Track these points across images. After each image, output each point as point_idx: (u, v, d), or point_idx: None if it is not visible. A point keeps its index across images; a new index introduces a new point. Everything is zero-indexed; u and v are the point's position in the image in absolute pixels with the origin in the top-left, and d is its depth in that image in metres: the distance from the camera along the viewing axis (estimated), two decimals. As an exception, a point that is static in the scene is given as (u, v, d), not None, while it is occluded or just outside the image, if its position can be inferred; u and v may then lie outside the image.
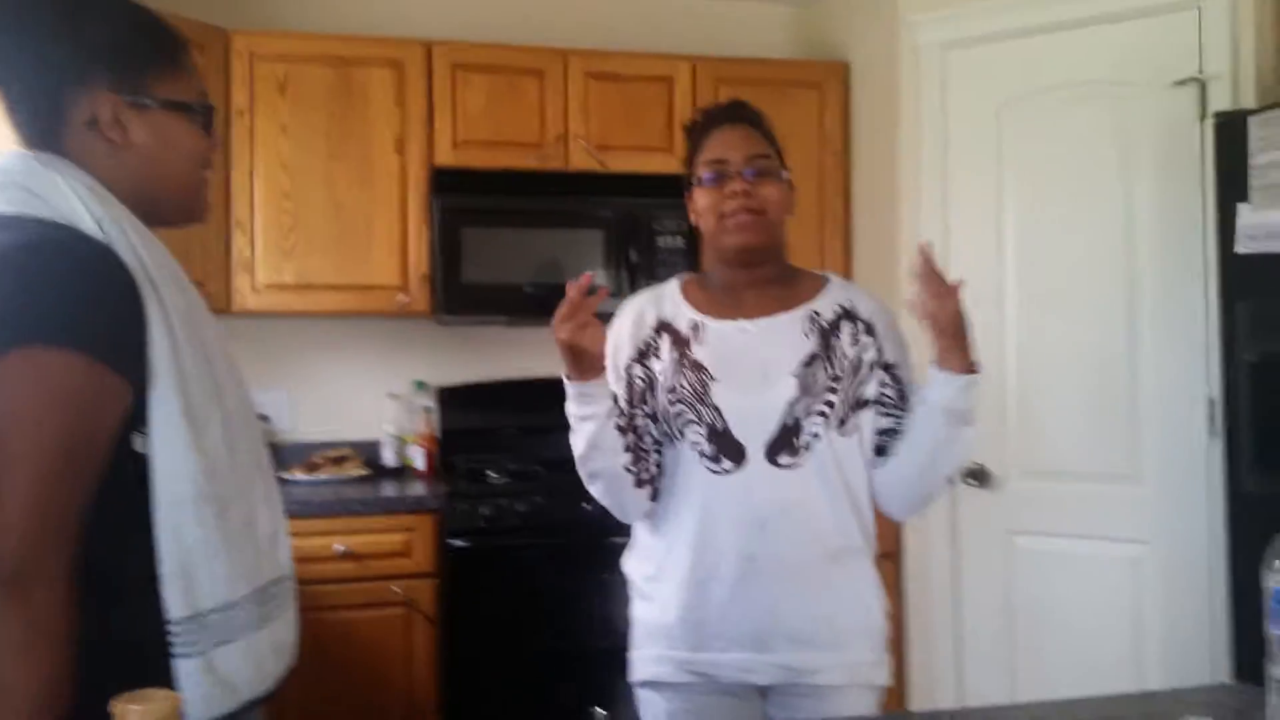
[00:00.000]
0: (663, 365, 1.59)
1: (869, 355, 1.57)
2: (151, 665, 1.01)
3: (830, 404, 1.52)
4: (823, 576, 1.53)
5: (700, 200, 1.58)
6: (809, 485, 1.51)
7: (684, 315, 1.61)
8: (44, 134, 1.08)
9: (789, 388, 1.52)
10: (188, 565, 1.02)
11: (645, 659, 1.61)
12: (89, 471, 0.98)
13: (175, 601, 1.02)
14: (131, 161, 1.09)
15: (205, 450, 1.03)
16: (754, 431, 1.51)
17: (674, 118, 3.18)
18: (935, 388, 1.50)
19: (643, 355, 1.61)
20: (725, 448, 1.52)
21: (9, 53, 1.06)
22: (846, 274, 3.27)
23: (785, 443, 1.51)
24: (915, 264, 1.48)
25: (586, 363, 1.45)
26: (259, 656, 1.09)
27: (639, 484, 1.56)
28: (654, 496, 1.59)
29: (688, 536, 1.54)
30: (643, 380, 1.60)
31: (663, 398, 1.57)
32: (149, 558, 1.01)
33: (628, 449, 1.53)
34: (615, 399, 1.52)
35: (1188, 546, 2.47)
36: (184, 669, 1.02)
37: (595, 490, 1.59)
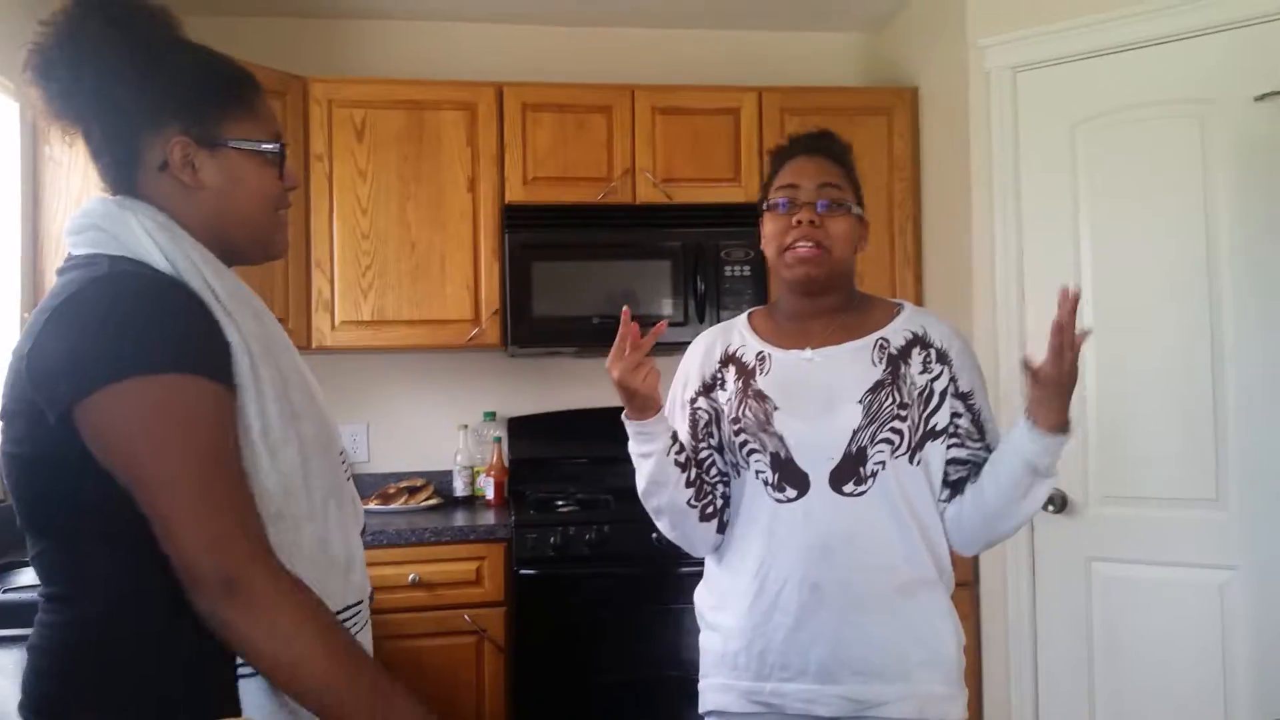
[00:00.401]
0: (728, 396, 1.59)
1: (941, 383, 1.53)
2: (220, 682, 1.03)
3: (898, 432, 1.49)
4: (890, 607, 1.48)
5: (767, 226, 1.58)
6: (875, 514, 1.48)
7: (751, 347, 1.61)
8: (123, 178, 1.13)
9: (854, 415, 1.49)
10: None
11: (712, 688, 1.60)
12: (238, 470, 1.03)
13: None
14: (204, 201, 1.13)
15: (281, 471, 1.06)
16: (818, 459, 1.50)
17: (740, 149, 3.21)
18: (1022, 440, 1.43)
19: (709, 388, 1.62)
20: (789, 476, 1.51)
21: (88, 101, 1.10)
22: (917, 301, 3.23)
23: (850, 471, 1.48)
24: (1063, 311, 1.37)
25: (640, 402, 1.46)
26: None
27: (704, 518, 1.56)
28: (721, 529, 1.59)
29: (752, 565, 1.54)
30: (708, 413, 1.61)
31: (727, 428, 1.58)
32: None
33: (689, 484, 1.53)
34: (674, 435, 1.52)
35: (1278, 572, 2.35)
36: (250, 688, 1.03)
37: (661, 525, 1.60)
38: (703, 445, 1.59)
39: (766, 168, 1.66)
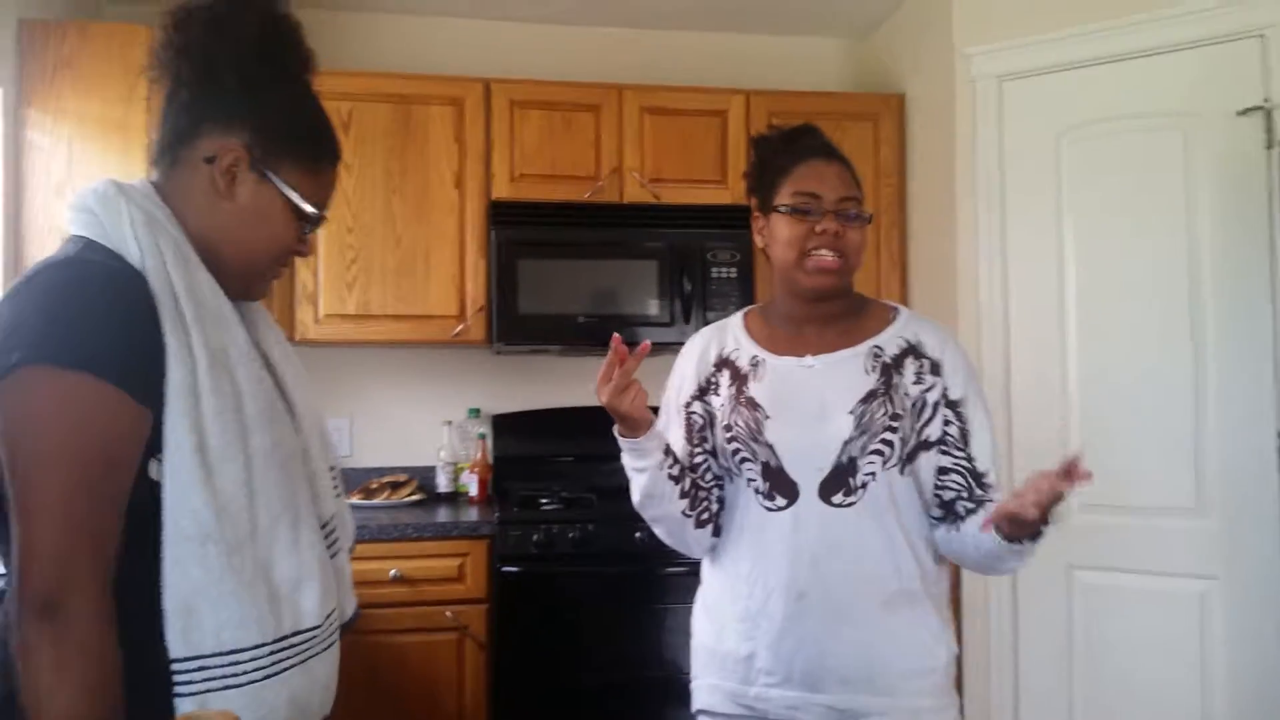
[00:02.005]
0: (721, 401, 1.59)
1: (933, 395, 1.52)
2: (157, 698, 1.01)
3: (889, 443, 1.48)
4: (876, 619, 1.48)
5: (781, 229, 1.54)
6: (863, 525, 1.48)
7: (745, 351, 1.60)
8: (170, 148, 1.13)
9: (845, 426, 1.49)
10: (190, 604, 1.01)
11: (702, 688, 1.60)
12: (114, 493, 0.99)
13: (175, 640, 1.01)
14: (222, 213, 1.12)
15: (216, 490, 1.02)
16: (808, 469, 1.49)
17: (727, 151, 3.22)
18: (993, 543, 1.43)
19: (703, 392, 1.62)
20: (779, 485, 1.51)
21: (201, 67, 1.10)
22: (903, 305, 3.25)
23: (840, 481, 1.48)
24: (1069, 469, 1.35)
25: (631, 422, 1.45)
26: (267, 708, 1.05)
27: (699, 525, 1.57)
28: (716, 533, 1.60)
29: (743, 570, 1.54)
30: (702, 417, 1.61)
31: (720, 435, 1.58)
32: (158, 591, 1.01)
33: (684, 494, 1.53)
34: (667, 449, 1.52)
35: (1258, 581, 2.39)
36: (182, 708, 1.01)
37: (658, 532, 1.60)
38: (698, 450, 1.59)
39: (754, 159, 1.63)
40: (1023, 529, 1.37)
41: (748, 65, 3.56)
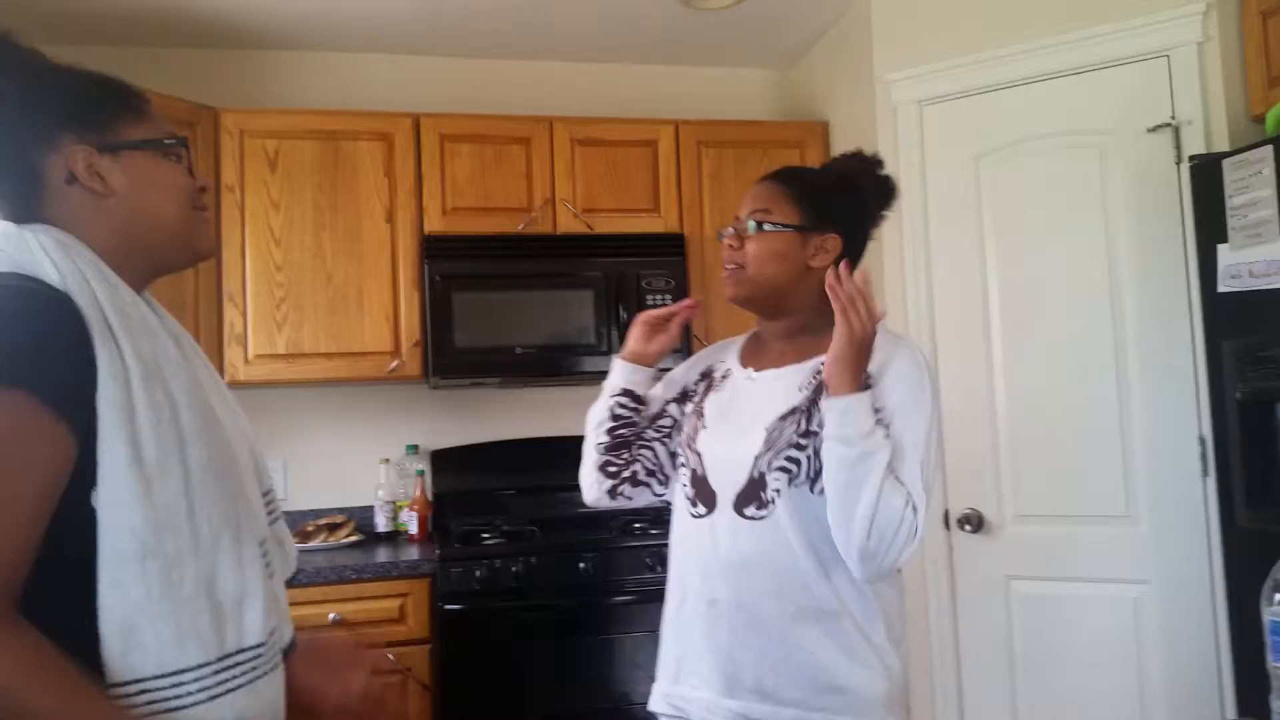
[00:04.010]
0: (686, 409, 1.67)
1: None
2: None
3: (794, 460, 1.47)
4: (786, 632, 1.47)
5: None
6: (772, 540, 1.48)
7: (726, 365, 1.67)
8: (28, 203, 1.10)
9: (757, 441, 1.51)
10: (129, 624, 0.98)
11: (653, 691, 1.64)
12: (22, 516, 0.95)
13: (115, 663, 0.98)
14: (117, 209, 1.10)
15: (156, 505, 1.00)
16: (727, 481, 1.53)
17: (658, 179, 3.25)
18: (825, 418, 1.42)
19: (682, 398, 1.70)
20: (701, 494, 1.56)
21: None
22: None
23: (752, 495, 1.50)
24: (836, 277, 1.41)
25: (634, 350, 1.64)
26: None
27: (600, 468, 1.66)
28: (610, 493, 1.68)
29: (673, 574, 1.61)
30: (672, 420, 1.69)
31: (675, 439, 1.66)
32: (94, 619, 0.98)
33: (610, 434, 1.64)
34: (635, 396, 1.63)
35: (1188, 585, 2.45)
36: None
37: (583, 465, 1.70)
38: (651, 433, 1.68)
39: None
40: (851, 350, 1.40)
41: (677, 97, 3.61)
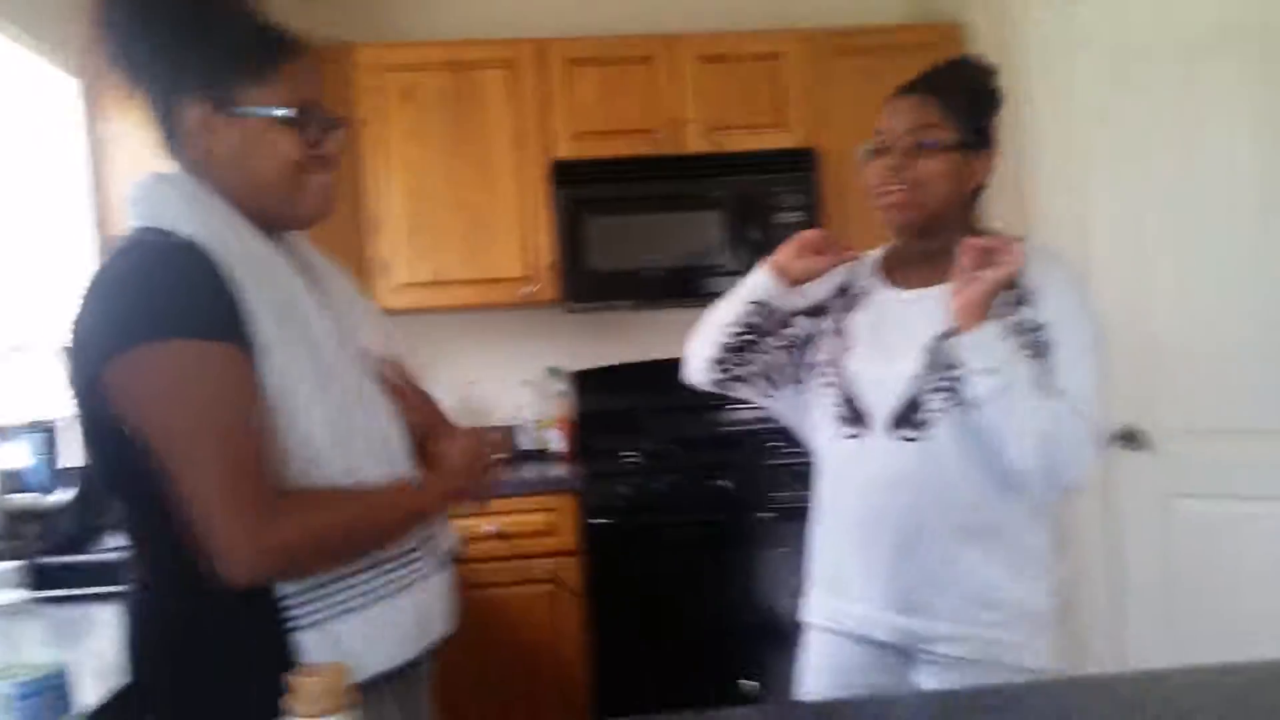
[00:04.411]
0: (824, 327, 1.62)
1: (1022, 319, 1.46)
2: (273, 641, 1.04)
3: (958, 379, 1.45)
4: (946, 549, 1.47)
5: (866, 173, 1.56)
6: (930, 459, 1.47)
7: (863, 281, 1.62)
8: (167, 142, 1.16)
9: (915, 361, 1.49)
10: None
11: (805, 602, 1.65)
12: (257, 436, 1.02)
13: None
14: (228, 166, 1.13)
15: (306, 430, 1.05)
16: (880, 402, 1.51)
17: (787, 93, 3.18)
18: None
19: (814, 312, 1.64)
20: (852, 414, 1.53)
21: (136, 65, 1.12)
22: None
23: (907, 416, 1.48)
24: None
25: (780, 263, 1.54)
26: (392, 626, 1.09)
27: (716, 358, 1.60)
28: (716, 381, 1.63)
29: (824, 493, 1.60)
30: (798, 331, 1.63)
31: (811, 356, 1.62)
32: None
33: (738, 336, 1.58)
34: (770, 309, 1.56)
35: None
36: (306, 642, 1.04)
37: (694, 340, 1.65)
38: (773, 340, 1.62)
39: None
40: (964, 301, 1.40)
41: (803, 3, 3.51)
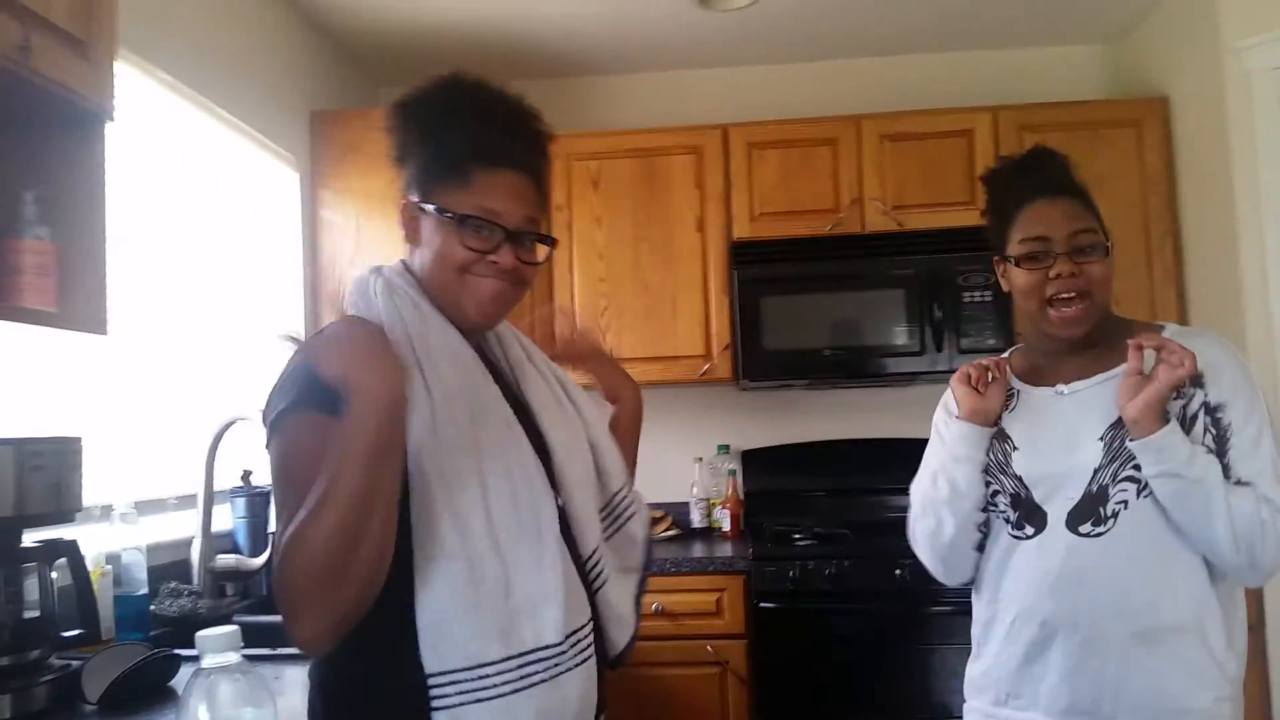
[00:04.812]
0: None
1: (1193, 406, 1.43)
2: (417, 714, 1.08)
3: (1140, 468, 1.41)
4: (1126, 654, 1.41)
5: (1019, 280, 1.51)
6: (1112, 556, 1.42)
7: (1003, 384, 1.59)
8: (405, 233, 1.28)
9: (1094, 453, 1.44)
10: (439, 620, 1.09)
11: (966, 710, 1.62)
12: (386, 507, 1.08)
13: (429, 655, 1.08)
14: (419, 260, 1.23)
15: (456, 513, 1.10)
16: (1056, 498, 1.47)
17: (974, 171, 3.12)
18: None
19: None
20: (1027, 514, 1.50)
21: (398, 163, 1.27)
22: (1182, 320, 3.01)
23: (1089, 510, 1.44)
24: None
25: (974, 408, 1.52)
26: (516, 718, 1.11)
27: (977, 546, 1.57)
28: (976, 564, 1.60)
29: (991, 597, 1.55)
30: None
31: None
32: (410, 613, 1.09)
33: (978, 508, 1.54)
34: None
35: None
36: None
37: (926, 542, 1.60)
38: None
39: (986, 199, 1.60)
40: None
41: (993, 81, 3.45)
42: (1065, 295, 1.46)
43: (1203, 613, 1.42)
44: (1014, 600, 1.50)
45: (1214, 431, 1.43)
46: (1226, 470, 1.40)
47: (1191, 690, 1.41)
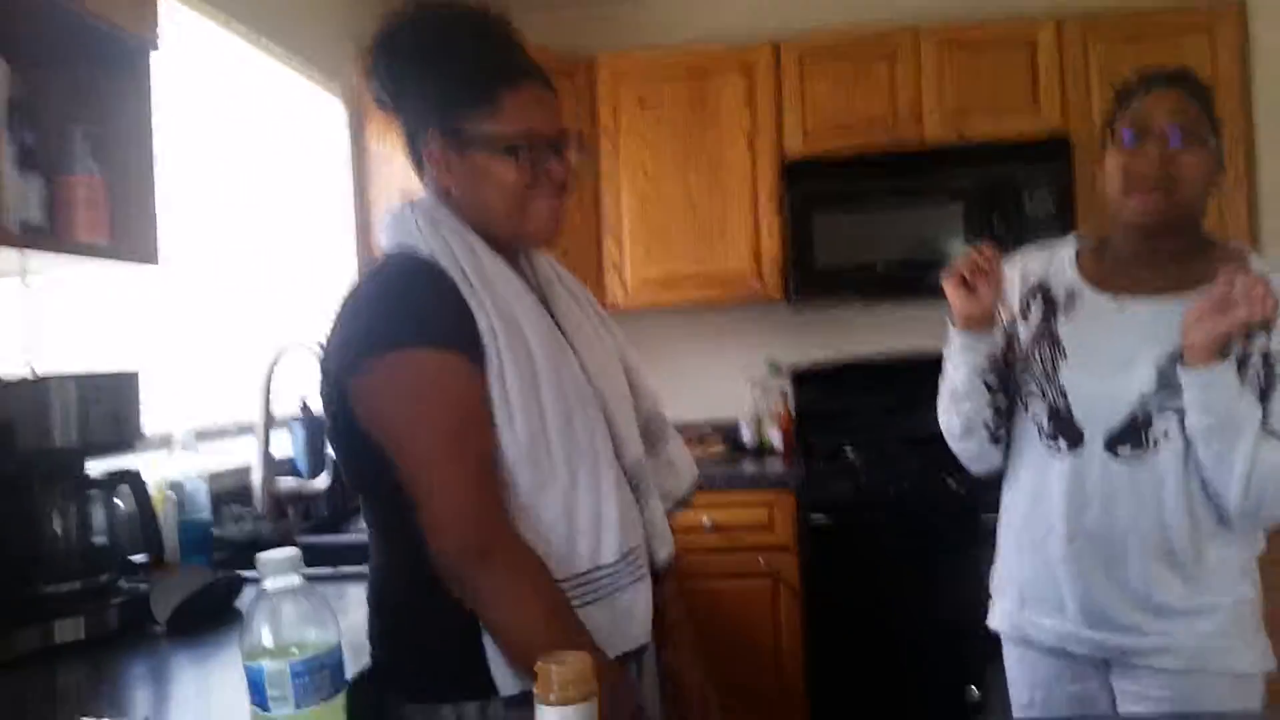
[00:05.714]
0: (1027, 330, 1.55)
1: (1253, 348, 1.38)
2: (474, 654, 1.10)
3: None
4: (1148, 570, 1.42)
5: (1110, 160, 1.47)
6: (1147, 481, 1.41)
7: (1065, 281, 1.54)
8: (417, 169, 1.27)
9: (1146, 379, 1.41)
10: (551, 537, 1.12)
11: (992, 609, 1.64)
12: (486, 447, 1.11)
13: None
14: (461, 195, 1.21)
15: (517, 440, 1.11)
16: (1097, 418, 1.44)
17: (1038, 82, 3.00)
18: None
19: (1018, 315, 1.59)
20: (1063, 429, 1.47)
21: (393, 98, 1.25)
22: (1250, 233, 2.90)
23: (1130, 434, 1.41)
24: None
25: (967, 314, 1.49)
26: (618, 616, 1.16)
27: (993, 440, 1.56)
28: (1001, 455, 1.60)
29: (1020, 504, 1.55)
30: (1004, 339, 1.58)
31: (1016, 364, 1.55)
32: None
33: (990, 406, 1.53)
34: (991, 356, 1.52)
35: None
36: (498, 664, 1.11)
37: (955, 432, 1.59)
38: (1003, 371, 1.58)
39: (1108, 105, 1.53)
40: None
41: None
42: (1147, 178, 1.41)
43: (1226, 543, 1.43)
44: (1043, 510, 1.50)
45: (1263, 377, 1.39)
46: (1266, 418, 1.37)
47: (1224, 587, 1.43)
